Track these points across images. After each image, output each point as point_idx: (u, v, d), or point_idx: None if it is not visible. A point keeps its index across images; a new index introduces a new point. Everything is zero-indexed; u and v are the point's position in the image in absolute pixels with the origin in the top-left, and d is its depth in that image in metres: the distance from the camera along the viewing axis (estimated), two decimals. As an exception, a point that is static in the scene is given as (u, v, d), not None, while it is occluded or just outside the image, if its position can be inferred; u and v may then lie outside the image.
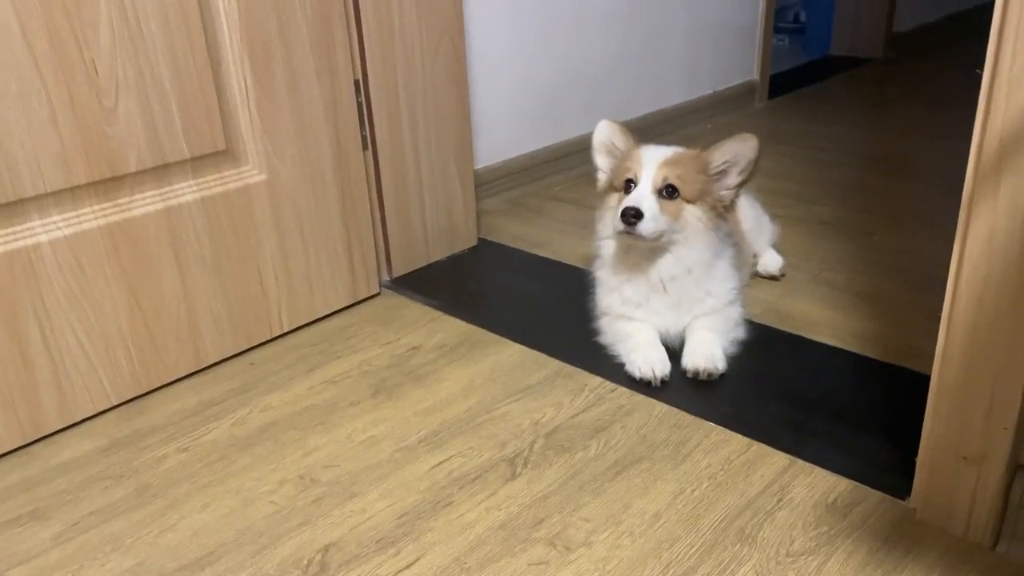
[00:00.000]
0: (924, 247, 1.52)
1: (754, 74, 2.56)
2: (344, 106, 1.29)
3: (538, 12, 1.84)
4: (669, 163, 1.10)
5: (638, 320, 1.19)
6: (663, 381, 1.12)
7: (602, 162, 1.20)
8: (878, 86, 2.92)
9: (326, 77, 1.25)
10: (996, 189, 0.72)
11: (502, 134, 1.84)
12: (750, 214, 1.38)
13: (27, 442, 1.06)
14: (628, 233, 1.08)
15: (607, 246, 1.19)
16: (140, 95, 1.06)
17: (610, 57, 2.06)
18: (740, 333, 1.20)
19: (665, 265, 1.14)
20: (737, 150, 1.10)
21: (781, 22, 3.54)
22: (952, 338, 0.79)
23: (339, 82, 1.27)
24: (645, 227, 1.06)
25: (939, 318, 0.80)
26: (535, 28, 1.85)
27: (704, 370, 1.12)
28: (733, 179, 1.12)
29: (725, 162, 1.11)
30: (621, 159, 1.16)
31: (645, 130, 2.19)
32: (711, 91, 2.41)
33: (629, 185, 1.11)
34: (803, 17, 3.65)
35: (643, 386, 1.12)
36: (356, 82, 1.31)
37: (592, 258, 1.26)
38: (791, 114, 2.54)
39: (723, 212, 1.14)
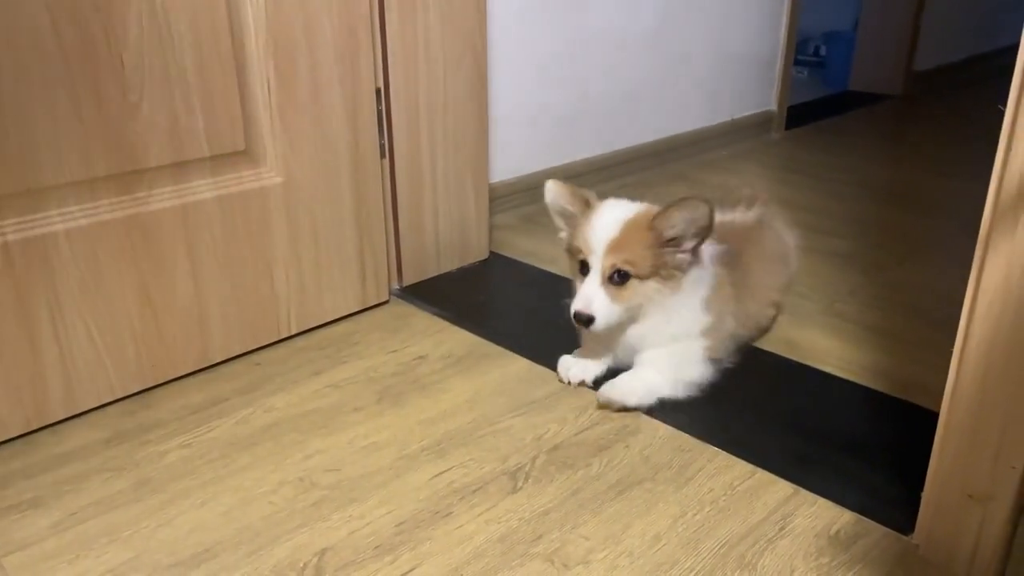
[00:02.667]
0: (937, 283, 1.52)
1: (772, 104, 2.57)
2: (364, 114, 1.30)
3: (561, 32, 1.85)
4: (617, 247, 1.05)
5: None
6: (581, 384, 1.17)
7: (559, 222, 1.16)
8: (896, 122, 2.93)
9: (348, 84, 1.26)
10: (1014, 228, 0.72)
11: (519, 150, 1.85)
12: (772, 246, 1.32)
13: (31, 429, 1.07)
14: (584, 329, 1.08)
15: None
16: (164, 91, 1.07)
17: (630, 80, 2.07)
18: (693, 374, 1.14)
19: (629, 329, 1.12)
20: (688, 218, 1.04)
21: (801, 55, 3.55)
22: (963, 375, 0.79)
23: (361, 90, 1.28)
24: (599, 326, 1.06)
25: (950, 354, 0.80)
26: (557, 48, 1.86)
27: (613, 401, 1.11)
28: (688, 243, 1.07)
29: (677, 230, 1.05)
30: (576, 226, 1.10)
31: (662, 154, 2.21)
32: (729, 119, 2.42)
33: (584, 266, 1.08)
34: (823, 51, 3.66)
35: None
36: (378, 91, 1.32)
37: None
38: (808, 145, 2.54)
39: (679, 275, 1.09)
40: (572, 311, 1.07)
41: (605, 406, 1.12)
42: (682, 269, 1.08)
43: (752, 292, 1.22)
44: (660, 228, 1.05)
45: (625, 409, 1.11)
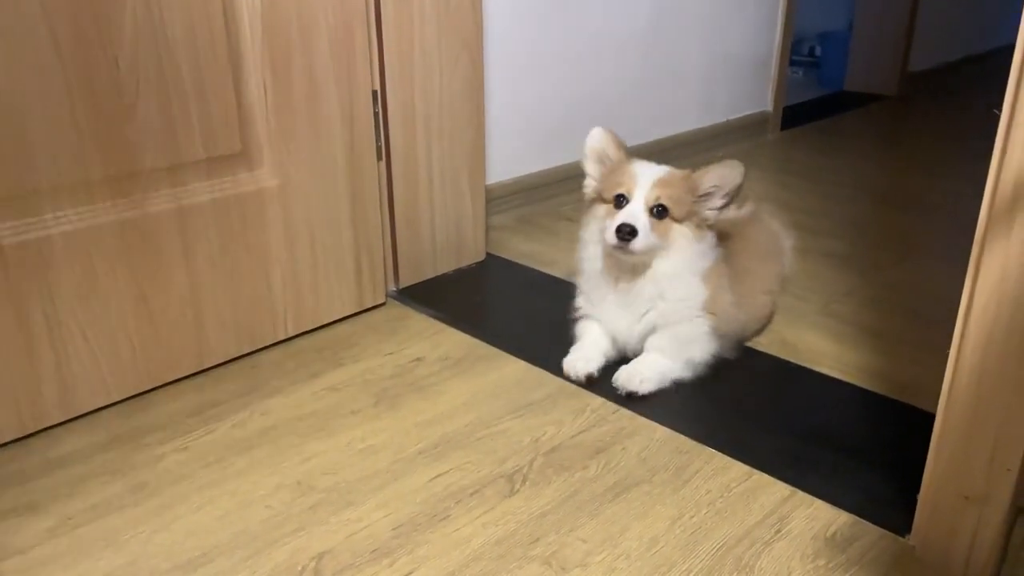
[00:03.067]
0: (933, 284, 1.52)
1: (768, 105, 2.57)
2: (361, 115, 1.30)
3: (557, 33, 1.85)
4: (661, 183, 1.12)
5: (593, 319, 1.24)
6: (589, 379, 1.18)
7: (592, 169, 1.21)
8: (891, 122, 2.94)
9: (345, 86, 1.26)
10: (1010, 229, 0.72)
11: (515, 151, 1.84)
12: (763, 239, 1.37)
13: (26, 433, 1.06)
14: (620, 248, 1.10)
15: (589, 254, 1.22)
16: (160, 94, 1.07)
17: (626, 81, 2.07)
18: (698, 353, 1.19)
19: (645, 278, 1.16)
20: (725, 175, 1.13)
21: (796, 55, 3.55)
22: (959, 376, 0.79)
23: (357, 91, 1.28)
24: (638, 244, 1.10)
25: (946, 355, 0.80)
26: (553, 49, 1.86)
27: (622, 387, 1.15)
28: (718, 202, 1.15)
29: (713, 186, 1.14)
30: (612, 171, 1.17)
31: (658, 155, 2.19)
32: (724, 119, 2.42)
33: (620, 200, 1.13)
34: (818, 51, 3.67)
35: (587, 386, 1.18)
36: (374, 92, 1.32)
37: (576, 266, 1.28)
38: (803, 146, 2.54)
39: (705, 228, 1.16)
40: (615, 225, 1.09)
41: (618, 390, 1.16)
42: (708, 223, 1.16)
43: (744, 278, 1.26)
44: (698, 182, 1.14)
45: (632, 395, 1.14)
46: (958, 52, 3.52)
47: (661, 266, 1.15)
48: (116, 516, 0.93)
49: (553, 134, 1.92)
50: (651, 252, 1.13)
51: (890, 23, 3.13)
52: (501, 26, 1.71)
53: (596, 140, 1.20)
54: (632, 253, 1.11)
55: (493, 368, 1.23)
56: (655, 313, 1.17)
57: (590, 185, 1.22)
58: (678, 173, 1.15)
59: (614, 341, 1.23)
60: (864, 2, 3.18)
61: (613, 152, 1.19)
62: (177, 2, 1.05)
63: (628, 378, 1.16)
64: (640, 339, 1.20)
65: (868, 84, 3.24)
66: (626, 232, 1.09)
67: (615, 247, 1.11)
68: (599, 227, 1.15)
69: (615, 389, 1.16)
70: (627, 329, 1.20)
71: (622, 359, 1.21)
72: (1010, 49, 0.70)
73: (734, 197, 1.15)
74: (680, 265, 1.15)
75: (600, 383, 1.18)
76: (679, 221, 1.13)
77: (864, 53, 3.23)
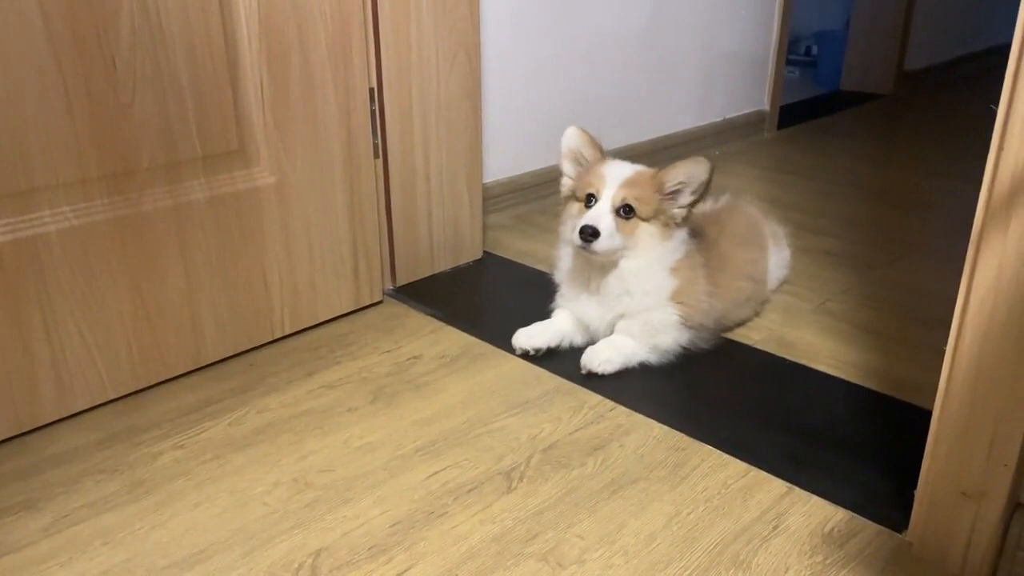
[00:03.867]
0: (928, 282, 1.53)
1: (764, 104, 2.58)
2: (358, 114, 1.30)
3: (554, 32, 1.85)
4: (628, 183, 1.15)
5: (567, 310, 1.28)
6: (525, 354, 1.24)
7: (568, 168, 1.23)
8: (887, 121, 2.94)
9: (342, 84, 1.26)
10: (1006, 226, 0.72)
11: (512, 150, 1.85)
12: (741, 225, 1.39)
13: (23, 431, 1.06)
14: (584, 248, 1.13)
15: (564, 252, 1.26)
16: (157, 92, 1.07)
17: (623, 80, 2.07)
18: (666, 341, 1.22)
19: (612, 275, 1.19)
20: (691, 172, 1.15)
21: (793, 54, 3.56)
22: (955, 373, 0.79)
23: (354, 90, 1.28)
24: (600, 245, 1.13)
25: (941, 353, 0.80)
26: (550, 47, 1.86)
27: (584, 366, 1.19)
28: (686, 198, 1.17)
29: (679, 183, 1.15)
30: (585, 171, 1.20)
31: (656, 153, 2.21)
32: (721, 118, 2.42)
33: (590, 199, 1.16)
34: (815, 51, 3.68)
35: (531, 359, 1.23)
36: (371, 90, 1.32)
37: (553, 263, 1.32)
38: (800, 145, 2.55)
39: (673, 226, 1.18)
40: (579, 226, 1.12)
41: (581, 368, 1.20)
42: (676, 221, 1.18)
43: (722, 265, 1.27)
44: (664, 180, 1.15)
45: (593, 373, 1.18)
46: (953, 51, 3.53)
47: (628, 264, 1.18)
48: (113, 514, 0.92)
49: (550, 133, 1.91)
50: (617, 251, 1.15)
51: (886, 22, 3.14)
52: (499, 25, 1.71)
53: (571, 140, 1.22)
54: (595, 253, 1.14)
55: (490, 366, 1.23)
56: (623, 307, 1.20)
57: (566, 184, 1.24)
58: (646, 172, 1.17)
59: (588, 330, 1.27)
60: (860, 2, 3.19)
61: (588, 152, 1.21)
62: (174, 2, 1.05)
63: (590, 358, 1.19)
64: (611, 328, 1.24)
65: (864, 83, 3.25)
66: (588, 233, 1.12)
67: (580, 247, 1.14)
68: (571, 226, 1.17)
69: (600, 380, 1.18)
70: (599, 319, 1.24)
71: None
72: (1006, 48, 0.70)
73: (702, 194, 1.17)
74: (645, 263, 1.18)
75: (599, 381, 1.18)
76: (646, 220, 1.16)
77: (860, 52, 3.24)
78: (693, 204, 1.17)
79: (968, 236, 0.75)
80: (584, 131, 1.22)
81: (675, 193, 1.16)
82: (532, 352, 1.24)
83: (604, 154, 1.21)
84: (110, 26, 1.01)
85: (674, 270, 1.20)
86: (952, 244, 0.88)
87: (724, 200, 1.43)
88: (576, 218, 1.16)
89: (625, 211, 1.14)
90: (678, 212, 1.17)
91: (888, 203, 2.04)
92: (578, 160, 1.22)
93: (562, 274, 1.28)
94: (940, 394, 0.81)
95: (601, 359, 1.19)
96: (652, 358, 1.22)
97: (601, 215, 1.13)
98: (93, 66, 1.00)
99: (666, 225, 1.17)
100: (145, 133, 1.07)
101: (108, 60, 1.01)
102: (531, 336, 1.24)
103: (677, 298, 1.20)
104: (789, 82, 2.97)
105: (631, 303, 1.20)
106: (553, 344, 1.25)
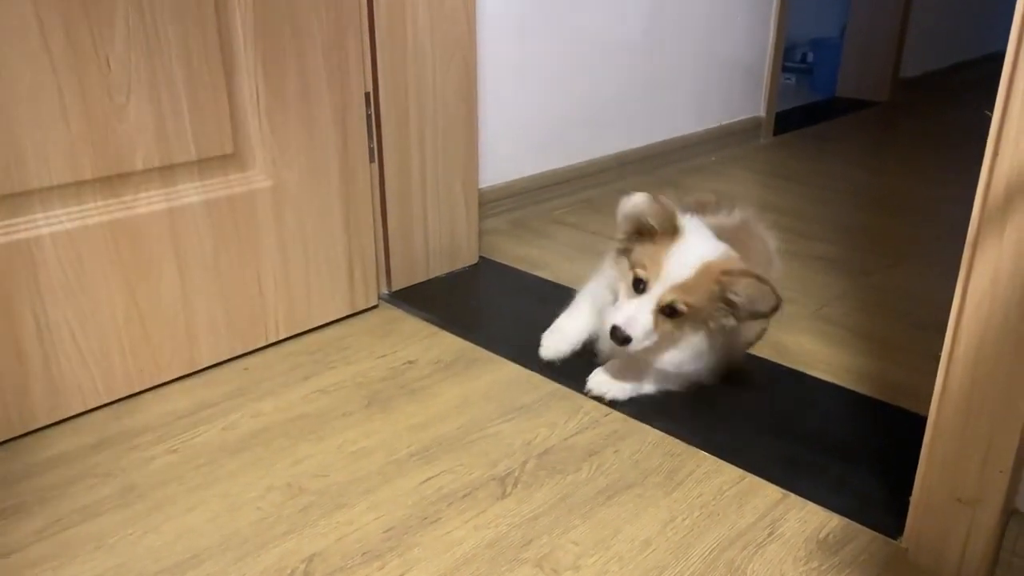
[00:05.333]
0: (923, 288, 1.53)
1: (760, 110, 2.58)
2: (353, 117, 1.30)
3: (550, 37, 1.85)
4: (685, 288, 1.04)
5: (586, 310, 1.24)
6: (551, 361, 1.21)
7: (626, 227, 1.11)
8: (883, 128, 2.95)
9: (337, 88, 1.26)
10: (1001, 231, 0.72)
11: (508, 155, 1.84)
12: (757, 249, 1.31)
13: (15, 435, 1.05)
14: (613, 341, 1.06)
15: (599, 289, 1.20)
16: (152, 94, 1.06)
17: (620, 85, 2.07)
18: (676, 384, 1.16)
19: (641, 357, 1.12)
20: (755, 297, 1.03)
21: (789, 61, 3.57)
22: (951, 378, 0.79)
23: (350, 93, 1.28)
24: (633, 348, 1.06)
25: (937, 358, 0.80)
26: (547, 53, 1.86)
27: (592, 390, 1.15)
28: (743, 315, 1.06)
29: (743, 298, 1.04)
30: (649, 243, 1.07)
31: (651, 160, 2.21)
32: (717, 124, 2.43)
33: (638, 284, 1.06)
34: (810, 58, 3.69)
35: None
36: (367, 94, 1.31)
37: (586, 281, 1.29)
38: (795, 151, 2.55)
39: (711, 328, 1.09)
40: (611, 324, 1.05)
41: (587, 392, 1.16)
42: (722, 328, 1.08)
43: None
44: (726, 286, 1.04)
45: (599, 399, 1.15)
46: (949, 59, 3.54)
47: (660, 353, 1.11)
48: (105, 518, 0.92)
49: (547, 138, 1.93)
50: (650, 348, 1.08)
51: (881, 30, 3.15)
52: (495, 30, 1.71)
53: (638, 207, 1.07)
54: (626, 353, 1.09)
55: (485, 371, 1.23)
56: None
57: (621, 238, 1.12)
58: (713, 270, 1.04)
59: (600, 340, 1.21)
60: (856, 9, 3.20)
61: (656, 222, 1.06)
62: (170, 3, 1.05)
63: (597, 384, 1.15)
64: None
65: (860, 90, 3.26)
66: (620, 339, 1.04)
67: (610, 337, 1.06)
68: (616, 281, 1.11)
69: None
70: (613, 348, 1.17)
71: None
72: (1001, 55, 0.70)
73: (754, 319, 1.08)
74: (679, 356, 1.11)
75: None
76: (694, 325, 1.08)
77: (856, 59, 3.25)
78: (744, 320, 1.07)
79: (963, 242, 0.75)
80: (654, 200, 1.06)
81: (733, 304, 1.05)
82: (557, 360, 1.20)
83: (678, 228, 1.06)
84: (105, 26, 1.00)
85: (708, 346, 1.12)
86: (947, 249, 0.88)
87: (737, 217, 1.35)
88: (619, 283, 1.09)
89: (670, 312, 1.05)
90: (726, 322, 1.06)
91: (883, 209, 2.04)
92: (641, 228, 1.08)
93: (584, 301, 1.24)
94: (935, 400, 0.81)
95: (608, 384, 1.14)
96: (654, 390, 1.16)
97: (639, 317, 1.04)
98: (88, 66, 1.00)
99: (705, 327, 1.08)
100: (140, 135, 1.07)
101: (103, 60, 1.01)
102: (555, 347, 1.21)
103: (696, 360, 1.14)
104: (785, 89, 2.98)
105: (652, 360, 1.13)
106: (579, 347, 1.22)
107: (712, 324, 1.07)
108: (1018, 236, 0.71)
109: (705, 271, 1.04)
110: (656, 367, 1.14)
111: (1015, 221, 0.71)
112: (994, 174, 0.72)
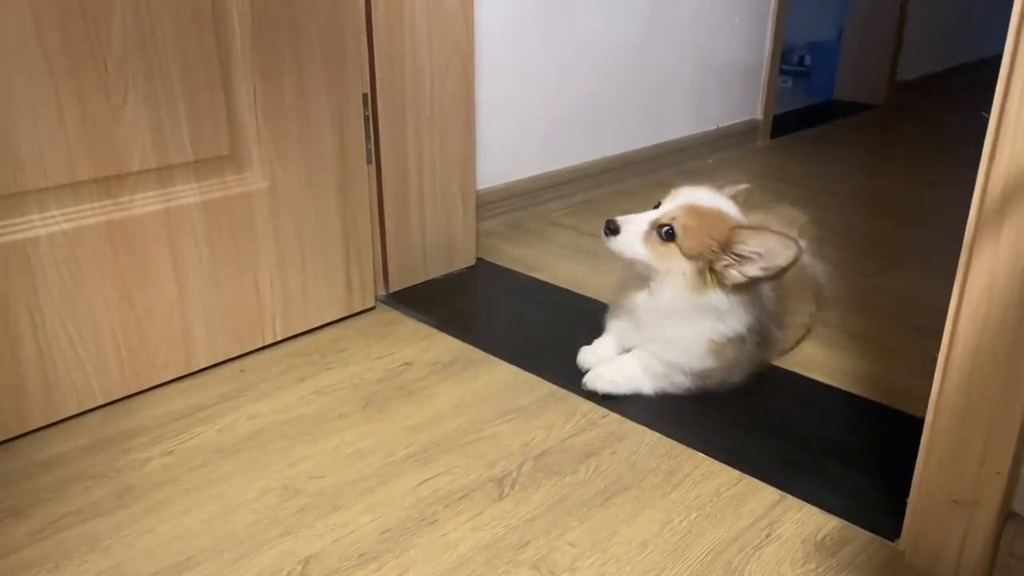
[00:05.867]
0: (919, 291, 1.53)
1: (757, 113, 2.59)
2: (351, 119, 1.30)
3: (548, 39, 1.85)
4: (691, 211, 1.04)
5: (613, 331, 1.22)
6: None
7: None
8: (880, 131, 2.95)
9: (335, 89, 1.26)
10: (998, 234, 0.72)
11: (505, 157, 1.84)
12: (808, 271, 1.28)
13: (10, 437, 1.05)
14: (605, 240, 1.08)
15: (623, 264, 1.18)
16: (148, 95, 1.06)
17: (617, 88, 2.07)
18: (680, 384, 1.14)
19: (641, 294, 1.12)
20: (772, 249, 1.00)
21: (786, 64, 3.58)
22: (948, 380, 0.79)
23: (347, 95, 1.28)
24: (614, 243, 1.07)
25: (933, 361, 0.80)
26: (544, 55, 1.86)
27: (585, 383, 1.16)
28: (752, 270, 1.02)
29: (754, 252, 1.02)
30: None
31: (648, 162, 2.21)
32: (714, 127, 2.43)
33: (657, 205, 1.10)
34: (807, 61, 3.69)
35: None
36: (364, 96, 1.31)
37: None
38: (792, 154, 2.56)
39: (714, 285, 1.05)
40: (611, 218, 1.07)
41: (583, 386, 1.16)
42: (723, 285, 1.04)
43: (780, 318, 1.20)
44: (739, 238, 1.02)
45: (594, 392, 1.15)
46: (946, 62, 3.55)
47: (655, 291, 1.08)
48: (101, 520, 0.91)
49: (544, 140, 1.93)
50: (638, 264, 1.08)
51: (878, 33, 3.16)
52: (493, 31, 1.71)
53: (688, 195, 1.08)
54: (609, 248, 1.08)
55: (483, 372, 1.23)
56: (656, 346, 1.13)
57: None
58: (723, 214, 1.05)
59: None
60: (853, 12, 3.21)
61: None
62: (167, 4, 1.05)
63: (594, 379, 1.15)
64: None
65: (857, 93, 3.27)
66: (608, 227, 1.07)
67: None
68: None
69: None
70: (632, 342, 1.18)
71: None
72: (997, 59, 0.70)
73: (773, 279, 1.04)
74: (670, 303, 1.07)
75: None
76: (685, 256, 1.04)
77: (853, 62, 3.26)
78: (759, 281, 1.04)
79: (960, 244, 0.75)
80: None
81: (743, 258, 1.02)
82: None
83: (735, 225, 1.04)
84: (102, 27, 1.00)
85: (719, 351, 1.10)
86: (944, 252, 0.88)
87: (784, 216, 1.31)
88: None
89: (667, 233, 1.04)
90: (734, 276, 1.03)
91: (880, 212, 2.04)
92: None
93: (615, 287, 1.22)
94: (933, 402, 0.81)
95: (604, 380, 1.14)
96: (656, 391, 1.15)
97: (638, 219, 1.06)
98: (84, 67, 1.00)
99: (702, 278, 1.04)
100: (136, 136, 1.06)
101: (99, 61, 1.01)
102: (587, 360, 1.20)
103: (711, 375, 1.13)
104: (782, 92, 2.98)
105: (659, 351, 1.13)
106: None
107: (705, 272, 1.04)
108: (1015, 238, 0.71)
109: (717, 215, 1.05)
110: (660, 358, 1.13)
111: (1012, 223, 0.71)
112: (991, 177, 0.72)
